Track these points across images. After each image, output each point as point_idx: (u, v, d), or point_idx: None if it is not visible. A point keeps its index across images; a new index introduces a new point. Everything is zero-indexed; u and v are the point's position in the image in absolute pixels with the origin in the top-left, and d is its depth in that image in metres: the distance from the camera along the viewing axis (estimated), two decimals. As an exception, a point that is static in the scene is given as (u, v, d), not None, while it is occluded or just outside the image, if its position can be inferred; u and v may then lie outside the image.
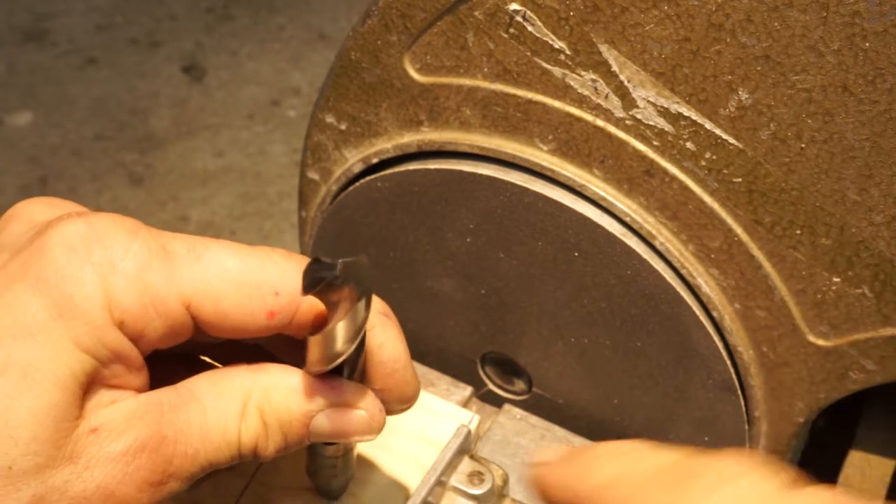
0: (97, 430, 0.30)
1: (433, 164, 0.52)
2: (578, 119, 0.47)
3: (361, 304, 0.31)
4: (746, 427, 0.51)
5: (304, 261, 0.34)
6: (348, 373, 0.34)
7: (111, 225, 0.31)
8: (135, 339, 0.31)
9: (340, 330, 0.31)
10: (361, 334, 0.32)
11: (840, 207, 0.43)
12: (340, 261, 0.30)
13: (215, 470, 0.34)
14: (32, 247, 0.31)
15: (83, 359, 0.30)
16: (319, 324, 0.33)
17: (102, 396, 0.31)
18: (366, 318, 0.32)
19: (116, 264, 0.30)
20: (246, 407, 0.33)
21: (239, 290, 0.32)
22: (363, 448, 0.42)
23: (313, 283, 0.30)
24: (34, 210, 0.34)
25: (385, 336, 0.35)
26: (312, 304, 0.33)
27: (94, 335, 0.30)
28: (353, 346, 0.32)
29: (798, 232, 0.45)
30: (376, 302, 0.35)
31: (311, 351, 0.32)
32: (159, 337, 0.32)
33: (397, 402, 0.36)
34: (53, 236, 0.31)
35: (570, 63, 0.46)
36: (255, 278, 0.32)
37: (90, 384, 0.30)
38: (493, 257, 0.53)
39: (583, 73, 0.45)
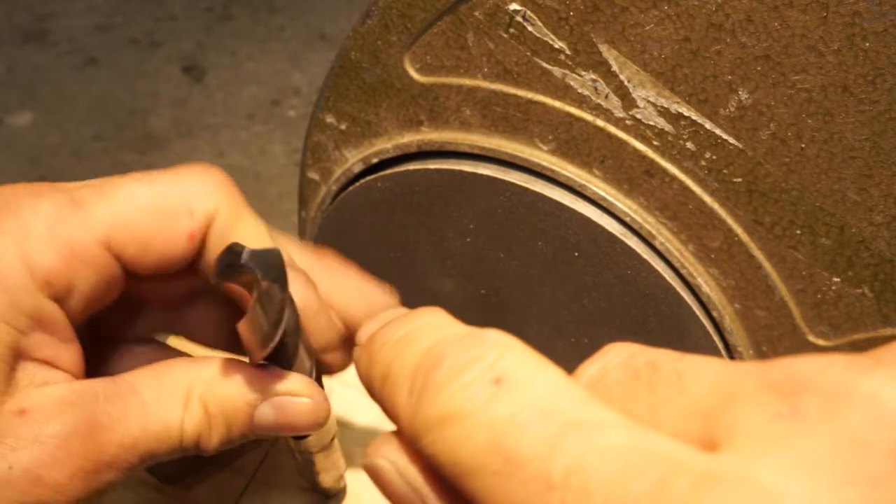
0: (25, 412, 0.29)
1: (433, 164, 0.52)
2: (578, 119, 0.47)
3: (274, 289, 0.30)
4: (746, 427, 0.51)
5: (218, 177, 0.33)
6: (291, 354, 0.34)
7: (13, 194, 0.31)
8: (66, 296, 0.31)
9: (260, 315, 0.30)
10: (287, 316, 0.32)
11: (840, 207, 0.43)
12: (247, 249, 0.30)
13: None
14: None
15: (1, 329, 0.29)
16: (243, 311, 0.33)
17: (34, 375, 0.31)
18: (283, 300, 0.31)
19: (28, 227, 0.30)
20: (189, 398, 0.32)
21: (154, 216, 0.32)
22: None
23: (224, 270, 0.30)
24: None
25: (293, 281, 0.34)
26: (227, 221, 0.33)
27: (10, 302, 0.30)
28: (281, 330, 0.31)
29: (798, 232, 0.45)
30: (291, 241, 0.35)
31: (243, 339, 0.32)
32: (91, 287, 0.32)
33: (324, 351, 0.35)
34: None
35: (570, 63, 0.45)
36: (167, 201, 0.32)
37: (15, 358, 0.30)
38: (493, 257, 0.53)
39: (583, 73, 0.45)
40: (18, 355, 0.30)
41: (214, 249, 0.33)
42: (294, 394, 0.34)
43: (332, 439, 0.38)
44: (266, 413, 0.33)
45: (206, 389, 0.33)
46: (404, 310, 0.29)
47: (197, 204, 0.33)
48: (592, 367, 0.23)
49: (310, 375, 0.35)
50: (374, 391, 0.25)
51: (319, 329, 0.35)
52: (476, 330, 0.23)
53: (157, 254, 0.32)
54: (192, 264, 0.34)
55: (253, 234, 0.34)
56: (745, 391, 0.19)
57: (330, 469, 0.39)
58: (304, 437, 0.36)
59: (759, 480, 0.17)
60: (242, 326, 0.30)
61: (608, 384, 0.23)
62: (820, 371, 0.19)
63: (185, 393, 0.33)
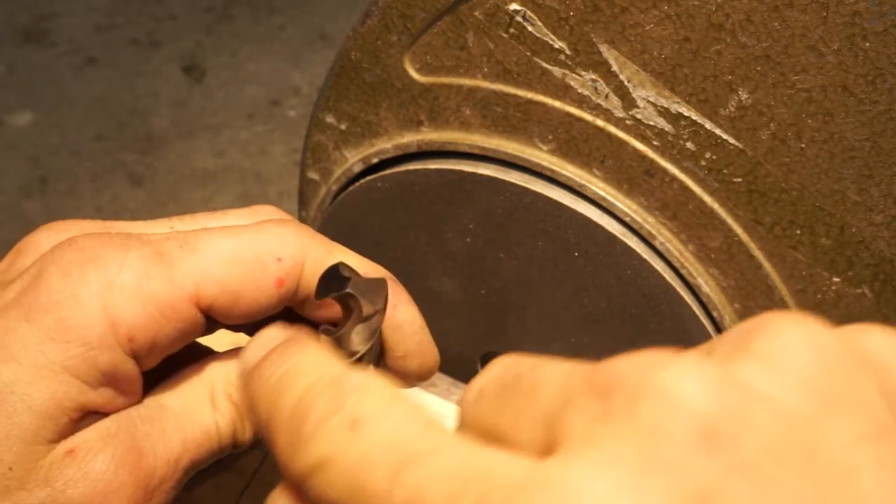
0: (73, 452, 0.30)
1: (433, 164, 0.52)
2: (578, 119, 0.47)
3: (375, 319, 0.31)
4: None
5: (296, 223, 0.34)
6: (366, 364, 0.34)
7: (100, 244, 0.31)
8: (148, 351, 0.31)
9: (354, 334, 0.31)
10: (377, 334, 0.33)
11: (840, 207, 0.43)
12: (354, 277, 0.31)
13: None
14: (29, 276, 0.31)
15: (70, 382, 0.29)
16: (333, 322, 0.34)
17: (88, 420, 0.31)
18: (380, 322, 0.32)
19: (113, 281, 0.30)
20: (214, 397, 0.33)
21: (241, 268, 0.32)
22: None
23: (327, 289, 0.31)
24: (40, 240, 0.34)
25: (397, 298, 0.34)
26: (317, 265, 0.33)
27: (87, 357, 0.30)
28: (370, 345, 0.32)
29: (798, 232, 0.45)
30: (382, 269, 0.35)
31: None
32: (171, 342, 0.32)
33: (418, 369, 0.36)
34: (48, 264, 0.31)
35: (570, 63, 0.45)
36: (254, 251, 0.32)
37: (79, 411, 0.30)
38: (493, 257, 0.53)
39: (583, 73, 0.45)
40: (84, 407, 0.30)
41: (311, 289, 0.34)
42: None
43: None
44: None
45: (228, 383, 0.33)
46: (282, 332, 0.30)
47: (284, 250, 0.33)
48: (475, 383, 0.25)
49: None
50: (261, 431, 0.26)
51: (425, 343, 0.36)
52: (341, 374, 0.24)
53: (246, 303, 0.32)
54: (282, 308, 0.34)
55: (352, 263, 0.34)
56: (574, 395, 0.20)
57: None
58: None
59: (568, 482, 0.18)
60: (327, 339, 0.31)
61: (485, 399, 0.24)
62: (628, 369, 0.20)
63: (210, 393, 0.33)
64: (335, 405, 0.23)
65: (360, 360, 0.33)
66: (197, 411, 0.32)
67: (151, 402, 0.32)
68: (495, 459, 0.20)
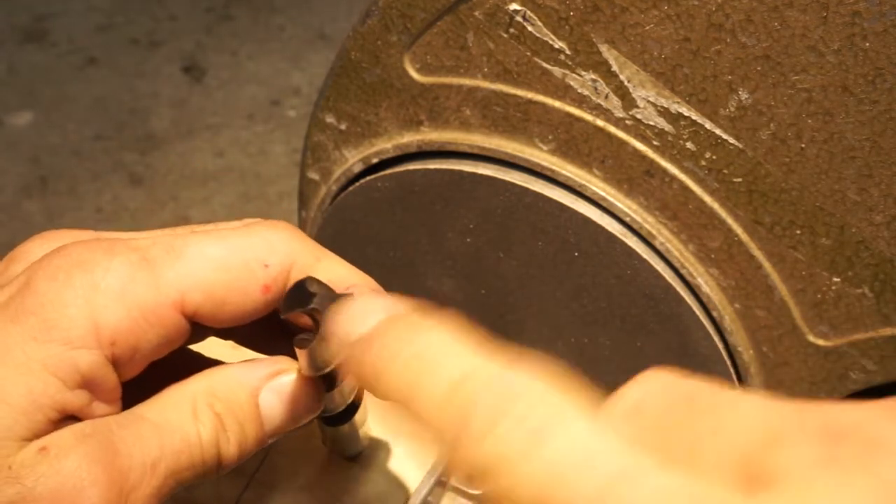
0: (46, 449, 0.29)
1: (433, 164, 0.52)
2: (578, 119, 0.47)
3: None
4: (746, 427, 0.51)
5: (288, 228, 0.34)
6: (340, 378, 0.35)
7: (87, 250, 0.31)
8: (128, 357, 0.31)
9: (324, 349, 0.31)
10: None
11: (840, 207, 0.43)
12: (319, 294, 0.31)
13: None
14: (18, 283, 0.31)
15: (47, 380, 0.29)
16: (308, 331, 0.34)
17: (63, 423, 0.31)
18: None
19: (98, 284, 0.30)
20: (196, 408, 0.33)
21: (228, 274, 0.32)
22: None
23: (291, 306, 0.31)
24: (32, 249, 0.34)
25: None
26: (303, 272, 0.33)
27: (68, 357, 0.30)
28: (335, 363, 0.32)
29: (798, 232, 0.45)
30: (370, 280, 0.35)
31: (301, 360, 0.33)
32: (153, 348, 0.32)
33: None
34: (37, 270, 0.31)
35: (570, 63, 0.46)
36: (240, 257, 0.32)
37: (58, 412, 0.30)
38: (493, 257, 0.53)
39: (583, 73, 0.45)
40: (59, 408, 0.30)
41: None
42: (285, 371, 0.34)
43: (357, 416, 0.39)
44: (271, 400, 0.34)
45: (209, 395, 0.33)
46: (383, 302, 0.28)
47: (271, 257, 0.33)
48: (629, 397, 0.24)
49: (353, 393, 0.37)
50: (396, 401, 0.25)
51: None
52: (501, 372, 0.23)
53: (231, 309, 0.33)
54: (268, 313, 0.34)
55: (335, 274, 0.34)
56: (786, 435, 0.20)
57: (354, 440, 0.40)
58: (335, 416, 0.37)
59: None
60: (301, 349, 0.32)
61: (645, 416, 0.23)
62: (860, 421, 0.20)
63: (191, 405, 0.33)
64: (504, 406, 0.22)
65: (333, 372, 0.33)
66: (177, 421, 0.32)
67: (129, 413, 0.32)
68: (712, 488, 0.19)
